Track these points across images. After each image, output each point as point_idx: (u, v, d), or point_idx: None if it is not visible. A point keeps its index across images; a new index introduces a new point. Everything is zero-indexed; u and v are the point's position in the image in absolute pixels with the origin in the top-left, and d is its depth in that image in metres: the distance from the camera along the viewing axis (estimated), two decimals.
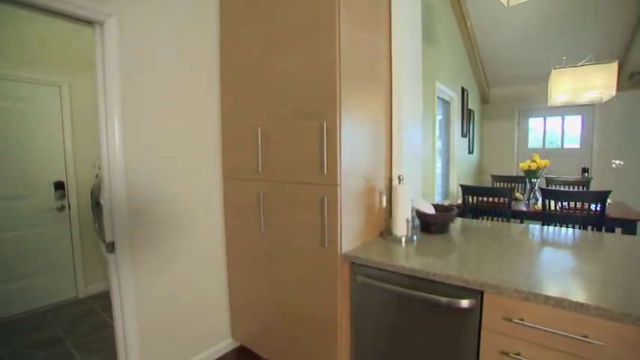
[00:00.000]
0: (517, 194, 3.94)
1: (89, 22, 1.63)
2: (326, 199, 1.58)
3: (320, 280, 1.67)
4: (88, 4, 1.55)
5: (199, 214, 2.07)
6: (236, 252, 2.16)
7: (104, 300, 3.16)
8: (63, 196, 3.13)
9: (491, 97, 6.78)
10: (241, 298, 2.17)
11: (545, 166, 3.57)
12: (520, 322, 1.11)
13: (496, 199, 3.30)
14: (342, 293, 1.61)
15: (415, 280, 1.38)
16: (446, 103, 4.80)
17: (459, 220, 2.27)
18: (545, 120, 6.31)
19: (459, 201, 3.87)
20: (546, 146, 6.33)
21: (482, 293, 1.21)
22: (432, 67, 3.86)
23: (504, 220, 3.24)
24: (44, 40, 2.94)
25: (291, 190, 1.75)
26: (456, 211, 2.01)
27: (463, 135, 5.33)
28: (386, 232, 1.88)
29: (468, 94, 5.42)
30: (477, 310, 1.22)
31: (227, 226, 2.20)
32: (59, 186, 3.11)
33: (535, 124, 6.44)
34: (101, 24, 1.63)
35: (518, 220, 3.45)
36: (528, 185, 3.74)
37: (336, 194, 1.56)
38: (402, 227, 1.80)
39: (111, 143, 1.67)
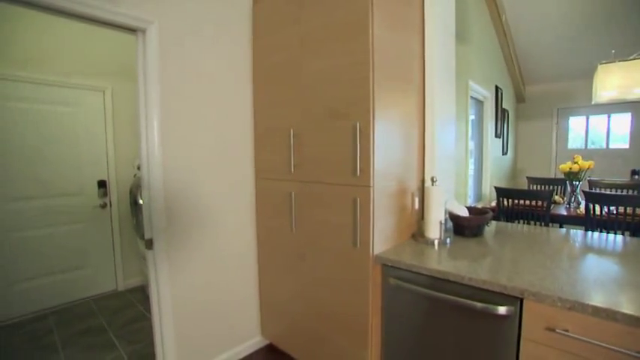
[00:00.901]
0: (556, 197, 3.73)
1: (133, 30, 1.72)
2: (358, 200, 1.58)
3: (351, 281, 1.67)
4: (133, 14, 1.64)
5: (232, 214, 2.13)
6: (267, 251, 2.20)
7: (141, 293, 3.32)
8: (105, 194, 3.32)
9: (527, 95, 6.47)
10: (271, 296, 2.21)
11: (588, 168, 3.36)
12: (565, 333, 1.05)
13: (533, 203, 3.15)
14: (374, 295, 1.60)
15: (449, 284, 1.34)
16: (479, 103, 4.64)
17: (493, 224, 2.19)
18: (587, 119, 5.93)
19: (493, 203, 3.73)
20: (589, 146, 5.95)
21: (521, 300, 1.16)
22: (465, 65, 3.74)
23: (542, 224, 3.08)
24: (90, 48, 3.13)
25: (323, 190, 1.76)
26: (491, 214, 1.94)
27: (497, 135, 5.13)
28: (418, 235, 1.85)
29: (502, 93, 5.20)
30: (516, 318, 1.17)
31: (258, 226, 2.25)
32: (102, 185, 3.30)
33: (576, 123, 6.07)
34: (143, 31, 1.72)
35: (557, 225, 3.27)
36: (569, 188, 3.53)
37: (368, 195, 1.55)
38: (434, 230, 1.76)
39: (150, 145, 1.76)
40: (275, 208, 2.09)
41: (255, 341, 2.30)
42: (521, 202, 3.20)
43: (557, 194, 4.07)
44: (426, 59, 1.90)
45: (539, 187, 4.37)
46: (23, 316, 2.88)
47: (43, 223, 2.97)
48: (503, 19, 4.73)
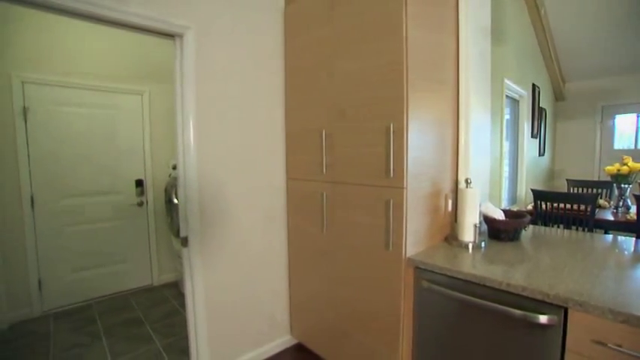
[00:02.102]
0: (601, 201, 3.50)
1: (171, 36, 1.80)
2: (392, 201, 1.56)
3: (382, 283, 1.65)
4: (172, 20, 1.71)
5: (263, 214, 2.17)
6: (297, 251, 2.22)
7: (174, 289, 3.45)
8: (142, 193, 3.48)
9: (566, 93, 6.12)
10: (301, 296, 2.22)
11: None
12: (618, 348, 0.98)
13: (575, 207, 2.97)
14: (406, 298, 1.57)
15: (484, 289, 1.29)
16: (514, 102, 4.44)
17: (530, 228, 2.08)
18: (638, 117, 5.50)
19: (529, 207, 3.55)
20: (638, 146, 5.52)
21: (565, 310, 1.10)
22: (500, 63, 3.60)
23: (585, 229, 2.90)
24: (129, 53, 3.31)
25: (355, 191, 1.75)
26: (528, 217, 1.86)
27: (533, 136, 4.89)
28: (451, 237, 1.80)
29: (539, 92, 4.95)
30: (559, 328, 1.11)
31: (289, 226, 2.28)
32: (139, 184, 3.47)
33: (623, 121, 5.66)
34: (181, 36, 1.79)
35: (602, 231, 3.07)
36: (616, 191, 3.30)
37: (402, 197, 1.52)
38: (469, 233, 1.70)
39: (186, 146, 1.83)
40: (306, 209, 2.11)
41: (284, 340, 2.33)
42: (561, 205, 3.02)
43: (602, 198, 3.81)
44: (460, 59, 1.85)
45: (580, 190, 4.12)
46: (72, 304, 3.08)
47: (87, 219, 3.16)
48: (542, 12, 4.50)
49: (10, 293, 2.75)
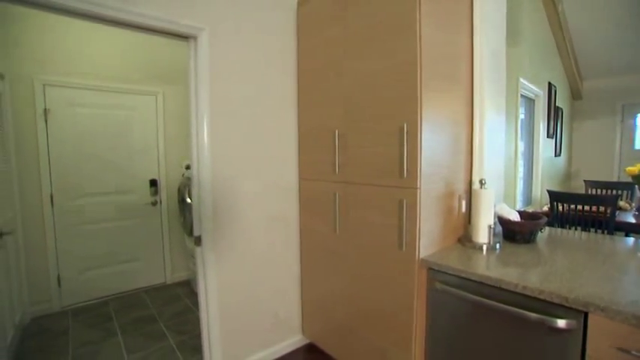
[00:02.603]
0: (621, 203, 3.39)
1: (185, 37, 1.83)
2: (405, 202, 1.55)
3: (395, 284, 1.64)
4: (186, 22, 1.74)
5: (275, 214, 2.18)
6: (310, 251, 2.23)
7: (186, 287, 3.50)
8: (156, 193, 3.54)
9: (584, 91, 5.97)
10: (313, 296, 2.23)
11: None
12: None
13: (594, 208, 2.89)
14: (418, 299, 1.56)
15: (499, 292, 1.27)
16: (529, 101, 4.35)
17: (546, 230, 2.04)
18: None
19: (545, 208, 3.47)
20: None
21: (585, 315, 1.07)
22: (515, 61, 3.53)
23: (604, 232, 2.82)
24: (143, 54, 3.37)
25: (368, 191, 1.75)
26: (545, 219, 1.82)
27: (549, 136, 4.78)
28: (465, 239, 1.77)
29: (555, 91, 4.84)
30: (579, 333, 1.08)
31: (302, 225, 2.28)
32: (153, 183, 3.53)
33: None
34: (195, 38, 1.81)
35: (622, 234, 2.97)
36: (638, 193, 3.19)
37: (415, 197, 1.51)
38: (483, 234, 1.68)
39: (200, 146, 1.85)
40: (319, 209, 2.11)
41: (295, 340, 2.33)
42: (579, 207, 2.95)
43: (622, 199, 3.70)
44: (474, 58, 1.83)
45: (599, 191, 4.01)
46: (89, 301, 3.16)
47: (104, 218, 3.24)
48: (560, 8, 4.40)
49: (31, 289, 2.84)
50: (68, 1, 1.41)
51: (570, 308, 1.09)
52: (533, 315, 1.16)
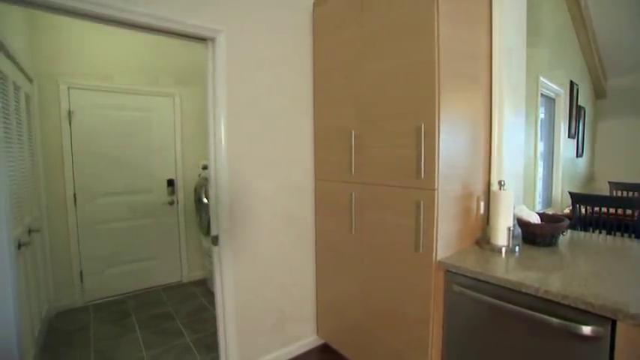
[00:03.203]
0: None
1: (203, 39, 1.86)
2: (422, 203, 1.53)
3: (412, 286, 1.62)
4: (204, 24, 1.77)
5: (291, 214, 2.19)
6: (325, 251, 2.23)
7: (202, 286, 3.56)
8: (173, 192, 3.62)
9: (608, 90, 5.76)
10: (329, 297, 2.23)
11: None
12: None
13: (619, 211, 2.78)
14: (435, 302, 1.54)
15: (519, 296, 1.24)
16: (549, 101, 4.23)
17: (568, 233, 1.98)
18: None
19: (566, 210, 3.37)
20: None
21: (613, 322, 1.03)
22: (536, 59, 3.44)
23: (631, 236, 2.71)
24: (161, 57, 3.45)
25: (385, 192, 1.73)
26: (567, 222, 1.76)
27: (570, 136, 4.63)
28: (483, 241, 1.74)
29: (578, 89, 4.69)
30: (606, 341, 1.04)
31: (317, 226, 2.29)
32: (170, 183, 3.60)
33: None
34: (213, 40, 1.84)
35: None
36: None
37: (433, 199, 1.49)
38: (502, 236, 1.64)
39: (218, 147, 1.88)
40: (334, 209, 2.11)
41: (310, 340, 2.34)
42: (603, 209, 2.85)
43: None
44: (493, 57, 1.79)
45: (625, 193, 3.86)
46: (109, 297, 3.25)
47: (123, 216, 3.32)
48: (583, 4, 4.26)
49: (56, 284, 2.95)
50: (93, 7, 1.45)
51: (597, 315, 1.06)
52: (555, 321, 1.13)
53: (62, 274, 2.98)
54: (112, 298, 3.25)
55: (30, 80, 2.60)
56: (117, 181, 3.27)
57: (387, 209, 1.72)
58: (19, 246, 1.75)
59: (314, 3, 2.19)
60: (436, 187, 1.48)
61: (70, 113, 2.97)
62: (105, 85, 3.13)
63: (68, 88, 2.95)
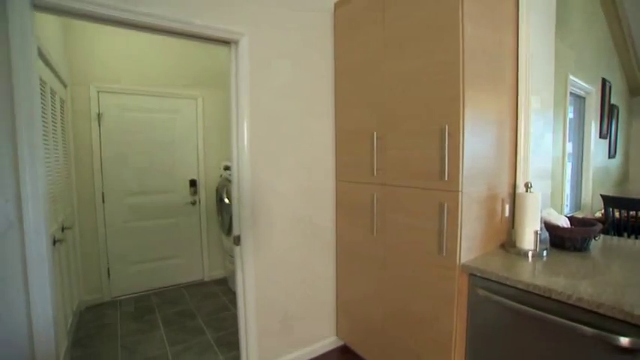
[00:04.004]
0: None
1: (227, 42, 1.90)
2: (446, 205, 1.50)
3: (434, 289, 1.60)
4: (228, 28, 1.81)
5: (312, 215, 2.20)
6: (346, 253, 2.22)
7: (223, 285, 3.62)
8: (195, 192, 3.70)
9: None
10: (348, 298, 2.22)
11: None
12: None
13: None
14: (459, 306, 1.50)
15: (548, 303, 1.19)
16: (579, 99, 4.06)
17: (600, 238, 1.89)
18: None
19: (598, 214, 3.22)
20: None
21: None
22: (565, 56, 3.31)
23: None
24: (186, 60, 3.54)
25: (407, 194, 1.71)
26: (599, 226, 1.68)
27: (602, 136, 4.42)
28: (508, 244, 1.69)
29: (610, 87, 4.48)
30: None
31: (338, 227, 2.28)
32: (192, 183, 3.69)
33: None
34: (236, 42, 1.88)
35: None
36: None
37: (457, 201, 1.46)
38: (529, 240, 1.59)
39: (240, 148, 1.91)
40: (356, 211, 2.10)
41: (330, 341, 2.33)
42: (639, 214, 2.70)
43: None
44: (520, 55, 1.74)
45: None
46: (134, 293, 3.37)
47: (147, 215, 3.43)
48: None
49: (86, 279, 3.08)
50: (124, 14, 1.52)
51: (635, 325, 1.00)
52: (589, 330, 1.08)
53: (91, 270, 3.11)
54: (136, 295, 3.36)
55: (64, 85, 2.73)
56: (142, 180, 3.38)
57: (410, 211, 1.70)
58: (54, 242, 1.84)
59: (335, 4, 2.20)
60: (460, 188, 1.45)
61: (99, 115, 3.10)
62: (131, 88, 3.25)
63: (98, 92, 3.08)
